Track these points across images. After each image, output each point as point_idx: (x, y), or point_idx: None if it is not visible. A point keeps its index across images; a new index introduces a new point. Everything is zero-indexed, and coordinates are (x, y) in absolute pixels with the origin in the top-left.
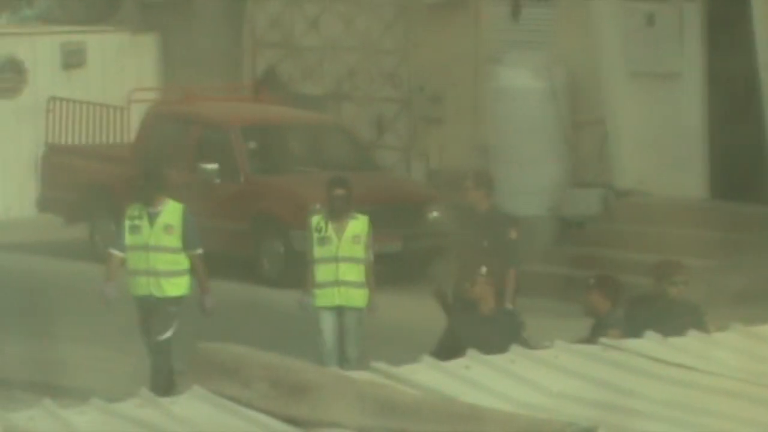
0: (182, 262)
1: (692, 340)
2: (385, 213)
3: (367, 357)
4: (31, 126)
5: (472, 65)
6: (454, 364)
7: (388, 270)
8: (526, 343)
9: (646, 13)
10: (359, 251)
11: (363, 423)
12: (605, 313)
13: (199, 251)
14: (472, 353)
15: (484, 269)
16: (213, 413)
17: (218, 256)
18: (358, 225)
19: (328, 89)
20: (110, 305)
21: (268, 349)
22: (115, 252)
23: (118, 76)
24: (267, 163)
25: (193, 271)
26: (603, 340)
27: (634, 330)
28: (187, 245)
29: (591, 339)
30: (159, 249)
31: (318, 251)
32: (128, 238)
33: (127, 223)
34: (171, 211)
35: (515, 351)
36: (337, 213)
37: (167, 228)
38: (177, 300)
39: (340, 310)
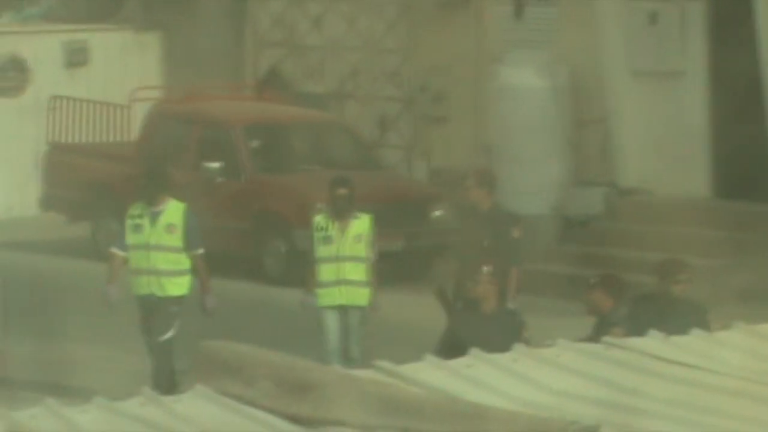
0: (184, 261)
1: (695, 338)
2: (387, 212)
3: (370, 356)
4: (34, 124)
5: (475, 64)
6: (457, 363)
7: (390, 269)
8: (527, 343)
9: (649, 12)
10: (362, 250)
11: (366, 421)
12: (608, 311)
13: (201, 251)
14: (474, 352)
15: (487, 268)
16: (216, 412)
17: (221, 255)
18: (360, 224)
19: (331, 88)
20: (113, 307)
21: (271, 348)
22: (117, 251)
23: (121, 74)
24: (270, 162)
25: (194, 270)
26: (606, 338)
27: (637, 328)
28: (188, 245)
29: (594, 338)
30: (160, 248)
31: (321, 250)
32: (130, 238)
33: (129, 222)
34: (173, 211)
35: (518, 350)
36: (340, 212)
37: (169, 227)
38: (178, 299)
39: (343, 309)
